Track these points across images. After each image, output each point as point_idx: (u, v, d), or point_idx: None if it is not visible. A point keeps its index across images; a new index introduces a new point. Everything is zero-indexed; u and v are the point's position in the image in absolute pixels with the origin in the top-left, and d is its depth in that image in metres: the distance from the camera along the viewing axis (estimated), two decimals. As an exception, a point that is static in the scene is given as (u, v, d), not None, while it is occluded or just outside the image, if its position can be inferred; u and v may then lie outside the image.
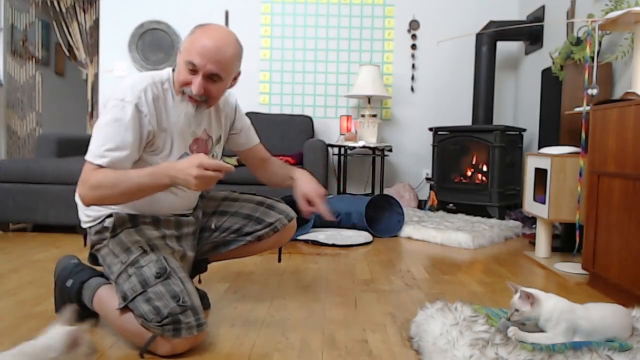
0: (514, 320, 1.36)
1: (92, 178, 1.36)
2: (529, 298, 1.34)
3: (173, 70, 1.52)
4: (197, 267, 1.77)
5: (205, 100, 1.47)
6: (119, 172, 1.37)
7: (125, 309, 1.37)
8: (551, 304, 1.34)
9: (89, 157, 1.39)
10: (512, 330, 1.33)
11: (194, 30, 1.45)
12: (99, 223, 1.51)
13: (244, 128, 1.76)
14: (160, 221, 1.53)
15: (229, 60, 1.44)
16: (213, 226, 1.70)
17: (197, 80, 1.41)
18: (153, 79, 1.47)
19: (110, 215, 1.49)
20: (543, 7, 3.85)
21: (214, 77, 1.43)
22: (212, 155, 1.65)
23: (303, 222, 3.08)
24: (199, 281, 1.84)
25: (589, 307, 1.37)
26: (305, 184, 1.64)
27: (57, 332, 1.01)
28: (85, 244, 1.61)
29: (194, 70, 1.41)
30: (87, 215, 1.54)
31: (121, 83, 1.46)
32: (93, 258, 1.58)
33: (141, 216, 1.50)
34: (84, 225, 1.57)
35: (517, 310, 1.35)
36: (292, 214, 1.75)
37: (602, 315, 1.34)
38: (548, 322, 1.32)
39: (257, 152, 1.82)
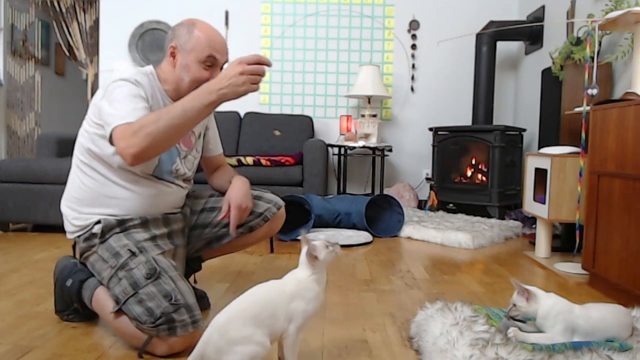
0: (512, 315, 1.36)
1: (131, 127, 1.30)
2: (525, 293, 1.35)
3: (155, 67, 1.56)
4: (192, 266, 1.77)
5: None
6: (158, 110, 1.35)
7: (119, 311, 1.37)
8: (549, 303, 1.34)
9: (115, 122, 1.32)
10: (512, 331, 1.33)
11: (191, 29, 1.50)
12: (88, 230, 1.50)
13: (214, 130, 1.80)
14: (148, 222, 1.52)
15: None
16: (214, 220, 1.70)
17: (217, 73, 1.51)
18: (139, 71, 1.50)
19: (98, 222, 1.48)
20: (543, 7, 3.85)
21: (223, 65, 1.55)
22: (195, 150, 1.67)
23: (303, 222, 3.08)
24: (195, 281, 1.84)
25: (588, 307, 1.37)
26: (235, 190, 1.63)
27: (302, 256, 1.24)
28: (74, 254, 1.60)
29: (211, 65, 1.50)
30: (75, 225, 1.52)
31: (108, 79, 1.47)
32: (84, 267, 1.57)
33: (129, 220, 1.50)
34: (70, 236, 1.55)
35: (514, 305, 1.36)
36: (280, 202, 1.76)
37: (601, 315, 1.34)
38: (545, 321, 1.32)
39: (219, 158, 1.84)
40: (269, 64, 1.32)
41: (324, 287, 1.24)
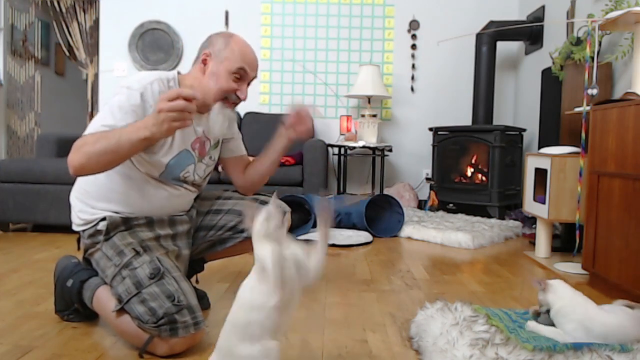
0: (543, 312, 1.42)
1: (79, 141, 1.34)
2: (542, 284, 1.40)
3: (179, 73, 1.56)
4: (194, 267, 1.77)
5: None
6: (105, 131, 1.34)
7: (121, 310, 1.37)
8: (565, 297, 1.37)
9: (86, 131, 1.39)
10: (531, 325, 1.36)
11: (228, 40, 1.53)
12: (93, 227, 1.50)
13: (236, 135, 1.79)
14: (154, 222, 1.53)
15: None
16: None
17: (245, 87, 1.55)
18: (160, 76, 1.49)
19: (103, 219, 1.48)
20: (543, 7, 3.85)
21: (251, 81, 1.59)
22: (209, 157, 1.66)
23: (303, 222, 3.08)
24: (197, 281, 1.84)
25: (606, 310, 1.35)
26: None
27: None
28: (78, 248, 1.61)
29: (240, 78, 1.52)
30: (80, 218, 1.52)
31: (128, 78, 1.49)
32: (87, 262, 1.57)
33: (134, 218, 1.50)
34: (76, 228, 1.56)
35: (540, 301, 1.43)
36: (287, 208, 1.75)
37: (619, 322, 1.31)
38: (557, 316, 1.35)
39: (244, 160, 1.83)
40: (188, 98, 1.24)
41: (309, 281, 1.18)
